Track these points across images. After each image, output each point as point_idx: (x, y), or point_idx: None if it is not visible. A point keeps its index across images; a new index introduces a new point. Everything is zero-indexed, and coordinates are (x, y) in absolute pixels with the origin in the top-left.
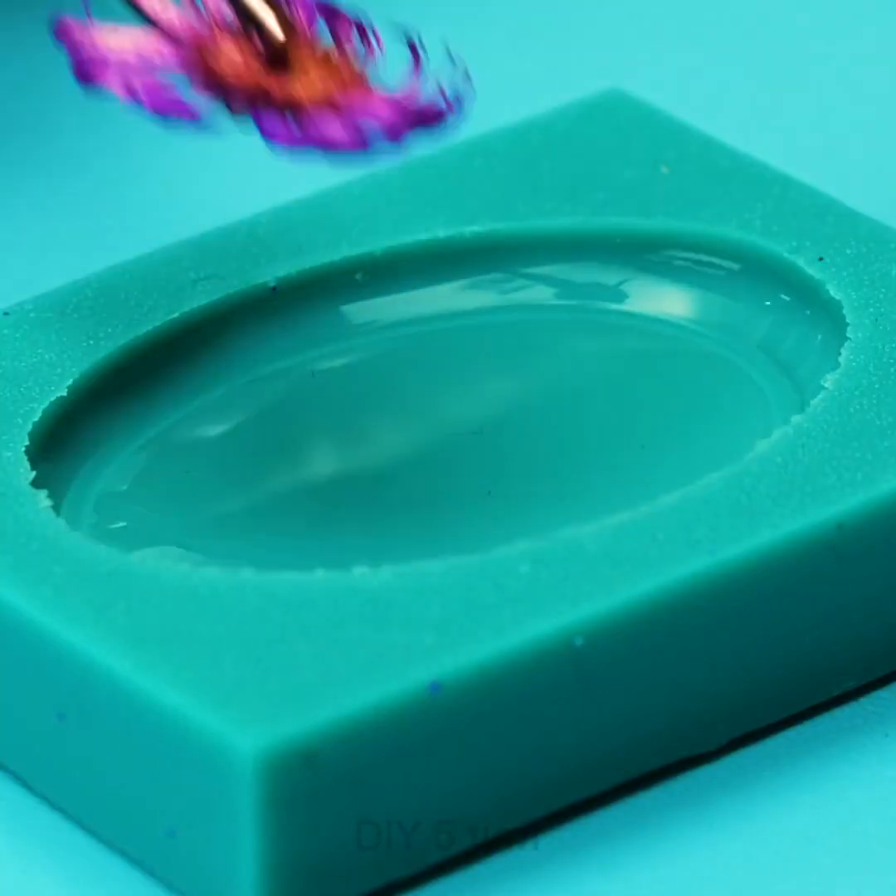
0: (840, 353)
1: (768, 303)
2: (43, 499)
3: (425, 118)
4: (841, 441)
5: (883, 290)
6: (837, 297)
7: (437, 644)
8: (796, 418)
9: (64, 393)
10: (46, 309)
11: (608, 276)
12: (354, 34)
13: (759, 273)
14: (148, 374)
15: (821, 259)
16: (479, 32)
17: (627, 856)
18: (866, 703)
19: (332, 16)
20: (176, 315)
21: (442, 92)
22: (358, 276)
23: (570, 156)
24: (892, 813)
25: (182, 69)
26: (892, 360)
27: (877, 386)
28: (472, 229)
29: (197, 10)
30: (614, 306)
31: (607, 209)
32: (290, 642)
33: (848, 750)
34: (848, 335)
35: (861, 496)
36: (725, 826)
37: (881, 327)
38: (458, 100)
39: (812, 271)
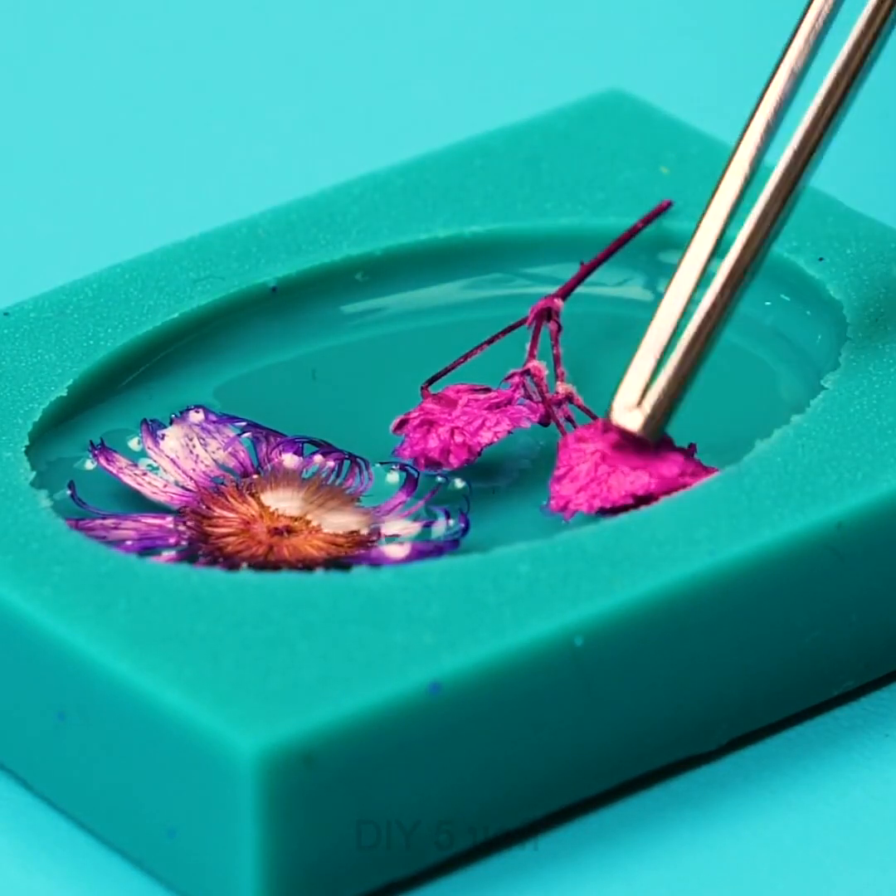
0: (840, 353)
1: (768, 303)
2: (43, 499)
3: (435, 551)
4: (841, 441)
5: (883, 290)
6: (837, 297)
7: (437, 644)
8: (796, 418)
9: (64, 393)
10: (46, 309)
11: (608, 276)
12: (345, 470)
13: (759, 273)
14: (148, 375)
15: (821, 259)
16: (480, 32)
17: (627, 856)
18: (866, 703)
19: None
20: (176, 315)
21: (447, 522)
22: (358, 276)
23: (570, 156)
24: (891, 813)
25: (185, 540)
26: (892, 360)
27: (877, 386)
28: (472, 229)
29: (187, 477)
30: (614, 305)
31: (607, 209)
32: (290, 642)
33: (848, 750)
34: (848, 335)
35: (861, 496)
36: (725, 826)
37: (881, 327)
38: (463, 524)
39: (812, 271)
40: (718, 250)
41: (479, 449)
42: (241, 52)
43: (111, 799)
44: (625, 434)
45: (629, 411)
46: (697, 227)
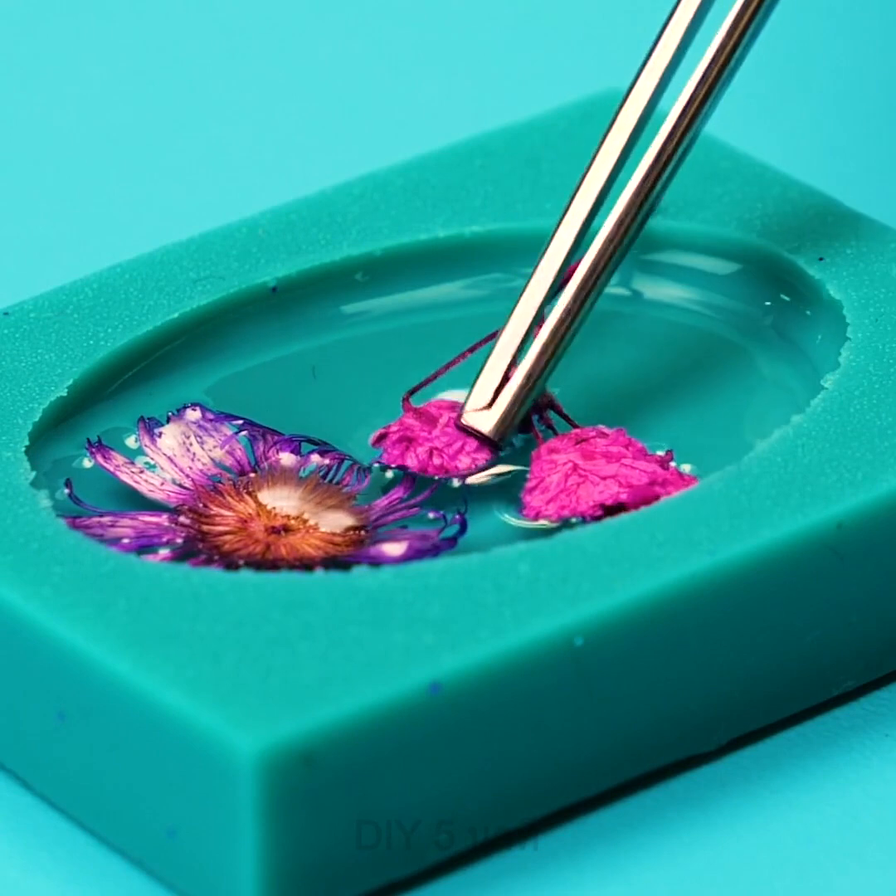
0: (840, 353)
1: (768, 303)
2: (43, 499)
3: (432, 549)
4: (841, 441)
5: (883, 290)
6: (837, 297)
7: (437, 644)
8: (796, 418)
9: (64, 393)
10: (46, 309)
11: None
12: (342, 471)
13: (759, 273)
14: (147, 375)
15: (821, 259)
16: (480, 32)
17: (627, 856)
18: (866, 703)
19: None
20: (176, 315)
21: (443, 521)
22: (358, 276)
23: (569, 156)
24: (892, 813)
25: (182, 538)
26: (892, 360)
27: (877, 386)
28: (472, 229)
29: (184, 475)
30: (614, 305)
31: (607, 209)
32: (290, 642)
33: (848, 750)
34: (848, 335)
35: (861, 496)
36: (725, 826)
37: (881, 327)
38: (460, 524)
39: (812, 271)
40: (580, 246)
41: (456, 474)
42: (242, 52)
43: (111, 799)
44: (476, 435)
45: (479, 413)
46: (559, 223)
